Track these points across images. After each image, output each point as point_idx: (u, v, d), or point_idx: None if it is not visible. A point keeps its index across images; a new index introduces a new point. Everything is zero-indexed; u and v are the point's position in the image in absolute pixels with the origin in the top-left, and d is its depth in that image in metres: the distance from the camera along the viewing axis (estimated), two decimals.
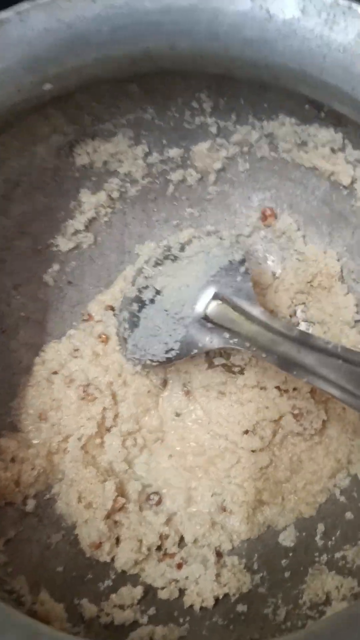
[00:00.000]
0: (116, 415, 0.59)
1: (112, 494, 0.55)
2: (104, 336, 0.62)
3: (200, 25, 0.50)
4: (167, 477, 0.57)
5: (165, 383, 0.60)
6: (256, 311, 0.52)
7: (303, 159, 0.62)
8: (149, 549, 0.54)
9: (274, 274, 0.66)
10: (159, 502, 0.56)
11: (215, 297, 0.54)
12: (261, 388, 0.59)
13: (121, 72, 0.54)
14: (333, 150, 0.59)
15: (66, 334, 0.64)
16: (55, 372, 0.61)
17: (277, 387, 0.58)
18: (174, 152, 0.64)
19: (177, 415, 0.59)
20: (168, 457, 0.58)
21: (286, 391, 0.58)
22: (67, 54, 0.50)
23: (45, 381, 0.61)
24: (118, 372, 0.60)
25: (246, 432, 0.57)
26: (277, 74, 0.52)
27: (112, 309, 0.64)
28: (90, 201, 0.64)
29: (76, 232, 0.65)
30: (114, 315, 0.63)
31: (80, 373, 0.60)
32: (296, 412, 0.57)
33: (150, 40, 0.51)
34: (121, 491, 0.57)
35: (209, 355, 0.61)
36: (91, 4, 0.49)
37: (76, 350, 0.62)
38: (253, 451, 0.57)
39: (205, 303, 0.55)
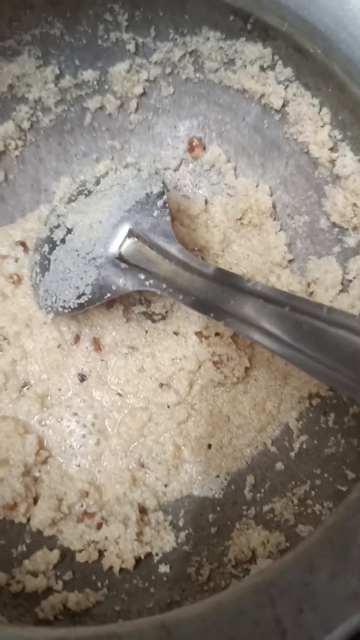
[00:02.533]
0: (26, 370, 0.54)
1: (34, 447, 0.51)
2: (15, 277, 0.56)
3: None
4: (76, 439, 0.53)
5: (77, 338, 0.54)
6: (174, 249, 0.47)
7: (231, 79, 0.56)
8: (68, 508, 0.50)
9: (205, 205, 0.60)
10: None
11: (130, 234, 0.49)
12: (181, 336, 0.54)
13: None
14: (262, 69, 0.54)
15: None
16: None
17: (198, 333, 0.54)
18: (88, 75, 0.57)
19: (82, 379, 0.54)
20: (75, 421, 0.54)
21: (207, 337, 0.54)
22: None
23: None
24: (26, 322, 0.55)
25: (160, 385, 0.53)
26: None
27: (24, 245, 0.57)
28: None
29: None
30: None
31: None
32: (216, 359, 0.53)
33: None
34: (41, 445, 0.52)
35: (127, 306, 0.56)
36: None
37: None
38: (168, 406, 0.53)
39: (119, 241, 0.49)
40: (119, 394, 0.54)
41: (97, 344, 0.55)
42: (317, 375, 0.36)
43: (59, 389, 0.54)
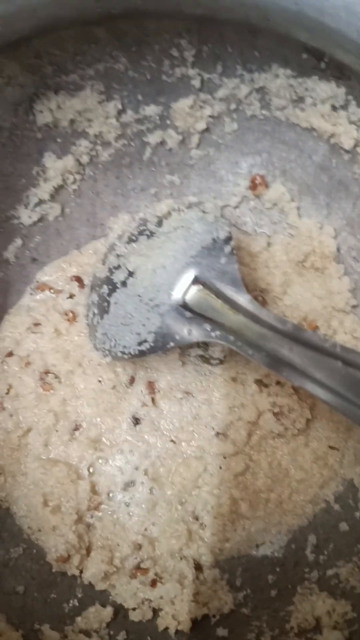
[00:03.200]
0: (77, 412, 0.53)
1: (87, 494, 0.50)
2: (71, 314, 0.55)
3: None
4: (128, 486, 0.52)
5: (132, 380, 0.53)
6: (243, 299, 0.45)
7: (299, 117, 0.54)
8: (121, 562, 0.48)
9: (267, 244, 0.58)
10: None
11: (196, 281, 0.47)
12: (239, 382, 0.52)
13: (85, 12, 0.46)
14: (334, 108, 0.52)
15: (25, 305, 0.57)
16: (10, 354, 0.55)
17: (258, 381, 0.52)
18: (151, 110, 0.56)
19: (136, 422, 0.53)
20: (127, 467, 0.52)
21: (267, 386, 0.52)
22: None
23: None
24: (79, 361, 0.54)
25: (216, 434, 0.51)
26: (269, 14, 0.44)
27: (80, 281, 0.56)
28: (55, 167, 0.57)
29: (40, 202, 0.58)
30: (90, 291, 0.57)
31: (37, 356, 0.54)
32: (277, 410, 0.51)
33: None
34: (93, 491, 0.51)
35: (184, 349, 0.54)
36: None
37: (36, 325, 0.56)
38: (224, 457, 0.51)
39: (183, 288, 0.47)
40: (172, 440, 0.53)
41: (151, 388, 0.54)
42: None
43: (112, 433, 0.53)
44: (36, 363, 0.54)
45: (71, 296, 0.57)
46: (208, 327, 0.46)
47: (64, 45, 0.50)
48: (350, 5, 0.41)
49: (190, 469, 0.51)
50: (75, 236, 0.60)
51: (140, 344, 0.48)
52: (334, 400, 0.38)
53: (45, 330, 0.55)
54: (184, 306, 0.47)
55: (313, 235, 0.56)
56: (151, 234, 0.52)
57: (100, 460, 0.52)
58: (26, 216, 0.57)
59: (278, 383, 0.52)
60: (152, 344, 0.47)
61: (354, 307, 0.55)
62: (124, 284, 0.50)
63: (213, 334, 0.45)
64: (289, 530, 0.50)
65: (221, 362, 0.54)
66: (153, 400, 0.53)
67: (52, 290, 0.58)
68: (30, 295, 0.57)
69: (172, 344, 0.47)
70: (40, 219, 0.58)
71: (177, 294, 0.47)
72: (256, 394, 0.52)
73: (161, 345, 0.47)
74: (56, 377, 0.54)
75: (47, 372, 0.54)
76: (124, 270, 0.51)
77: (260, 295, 0.55)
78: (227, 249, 0.48)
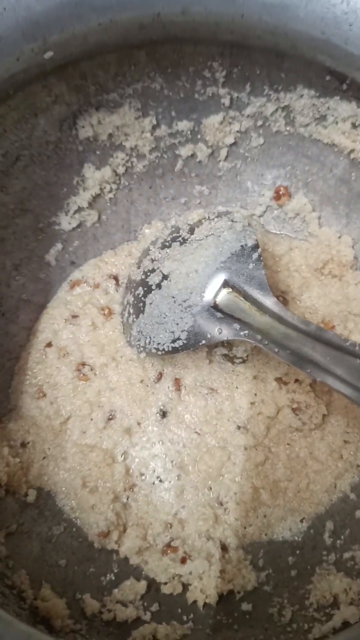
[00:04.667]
0: (111, 402, 0.57)
1: (122, 476, 0.54)
2: (107, 310, 0.60)
3: None
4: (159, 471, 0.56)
5: (160, 376, 0.57)
6: (269, 301, 0.50)
7: (321, 134, 0.58)
8: (153, 539, 0.52)
9: (289, 249, 0.63)
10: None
11: (226, 284, 0.51)
12: (260, 380, 0.56)
13: (129, 38, 0.50)
14: (354, 126, 0.56)
15: (63, 298, 0.62)
16: (49, 345, 0.59)
17: (278, 379, 0.56)
18: (183, 125, 0.60)
19: (163, 415, 0.57)
20: (157, 455, 0.56)
21: (286, 384, 0.56)
22: (70, 19, 0.46)
23: (39, 354, 0.59)
24: (113, 355, 0.58)
25: (237, 428, 0.55)
26: (297, 42, 0.48)
27: (116, 279, 0.61)
28: (94, 177, 0.61)
29: (79, 209, 0.62)
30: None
31: (75, 347, 0.58)
32: (295, 406, 0.55)
33: (161, 4, 0.47)
34: (127, 473, 0.55)
35: (210, 348, 0.58)
36: None
37: (74, 317, 0.60)
38: (246, 448, 0.55)
39: (214, 291, 0.52)
40: (197, 432, 0.57)
41: (177, 384, 0.58)
42: None
43: (141, 423, 0.57)
44: (74, 354, 0.58)
45: (106, 292, 0.61)
46: (237, 326, 0.50)
47: (107, 67, 0.54)
48: None
49: (214, 459, 0.55)
50: (111, 241, 0.64)
51: (174, 341, 0.52)
52: (353, 394, 0.42)
53: (83, 322, 0.59)
54: (215, 307, 0.51)
55: (332, 244, 0.60)
56: (184, 241, 0.56)
57: (132, 447, 0.56)
58: (66, 222, 0.62)
59: (297, 381, 0.56)
60: (184, 342, 0.52)
61: None
62: (158, 286, 0.54)
63: (242, 333, 0.50)
64: (307, 518, 0.53)
65: (244, 361, 0.58)
66: (179, 395, 0.57)
67: (89, 285, 0.62)
68: (68, 290, 0.62)
69: (203, 341, 0.51)
70: (79, 225, 0.62)
71: (208, 296, 0.52)
72: (276, 391, 0.56)
73: (193, 343, 0.51)
74: (92, 369, 0.58)
75: (83, 364, 0.58)
76: (159, 273, 0.55)
77: (281, 295, 0.59)
78: (255, 255, 0.52)
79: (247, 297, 0.51)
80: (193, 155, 0.63)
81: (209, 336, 0.51)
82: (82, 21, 0.46)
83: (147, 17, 0.47)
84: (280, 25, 0.47)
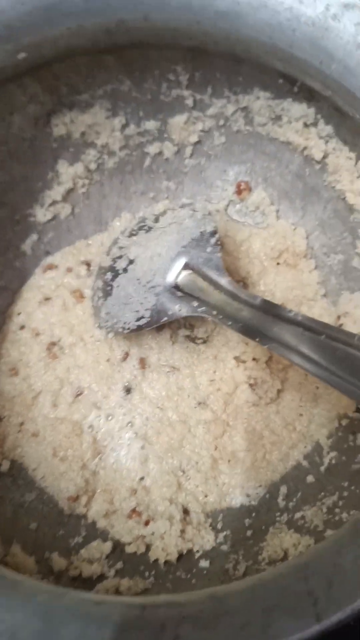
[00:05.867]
0: (79, 379, 0.61)
1: (90, 445, 0.58)
2: (78, 293, 0.64)
3: None
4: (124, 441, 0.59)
5: (126, 356, 0.61)
6: (224, 281, 0.54)
7: (277, 133, 0.63)
8: (119, 504, 0.56)
9: (249, 236, 0.67)
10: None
11: (186, 266, 0.56)
12: (219, 360, 0.60)
13: (97, 43, 0.55)
14: (306, 125, 0.60)
15: (36, 283, 0.65)
16: (22, 327, 0.63)
17: (236, 358, 0.60)
18: (150, 125, 0.65)
19: (128, 391, 0.60)
20: (121, 427, 0.60)
21: (244, 362, 0.60)
22: (41, 23, 0.51)
23: (13, 335, 0.63)
24: (81, 336, 0.62)
25: (198, 404, 0.59)
26: (249, 47, 0.53)
27: (88, 265, 0.65)
28: (67, 172, 0.65)
29: (54, 202, 0.66)
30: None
31: (46, 326, 0.62)
32: (252, 382, 0.59)
33: (124, 11, 0.52)
34: (95, 443, 0.59)
35: (174, 329, 0.62)
36: None
37: (47, 299, 0.64)
38: (205, 422, 0.59)
39: (176, 272, 0.56)
40: (159, 407, 0.60)
41: (142, 363, 0.62)
42: (347, 394, 0.43)
43: (107, 398, 0.60)
44: (45, 334, 0.62)
45: (78, 277, 0.65)
46: (195, 304, 0.54)
47: (78, 69, 0.58)
48: (314, 40, 0.50)
49: (175, 432, 0.59)
50: (83, 232, 0.68)
51: (138, 319, 0.56)
52: (299, 359, 0.47)
53: (55, 303, 0.63)
54: (176, 287, 0.56)
55: (287, 235, 0.64)
56: (149, 229, 0.61)
57: (99, 420, 0.59)
58: (41, 214, 0.65)
59: (254, 359, 0.60)
60: (148, 319, 0.56)
61: (323, 295, 0.63)
62: (125, 270, 0.59)
63: (199, 309, 0.54)
64: (264, 485, 0.57)
65: (205, 341, 0.62)
66: (143, 373, 0.61)
67: (61, 270, 0.66)
68: (41, 274, 0.65)
69: (165, 318, 0.55)
70: (54, 218, 0.66)
71: (170, 277, 0.56)
72: (234, 369, 0.60)
73: (156, 320, 0.56)
74: (61, 348, 0.62)
75: (53, 344, 0.62)
76: (126, 258, 0.59)
77: (242, 281, 0.64)
78: (213, 240, 0.57)
79: (205, 277, 0.55)
80: (160, 153, 0.67)
81: (170, 313, 0.55)
82: (52, 25, 0.51)
83: (112, 23, 0.52)
84: (233, 31, 0.52)
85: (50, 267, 0.65)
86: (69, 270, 0.65)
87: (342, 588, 0.32)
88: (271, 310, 0.50)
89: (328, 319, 0.62)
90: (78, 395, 0.60)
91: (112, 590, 0.49)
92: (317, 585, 0.33)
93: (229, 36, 0.53)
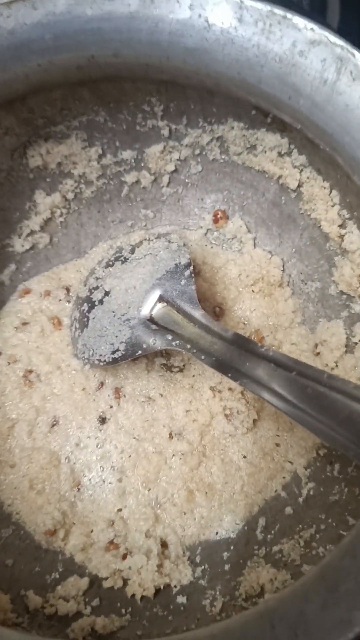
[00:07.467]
0: (55, 408, 0.61)
1: (68, 476, 0.58)
2: (56, 320, 0.63)
3: (142, 33, 0.51)
4: (101, 473, 0.59)
5: (101, 385, 0.61)
6: (197, 314, 0.54)
7: (253, 162, 0.63)
8: (97, 536, 0.56)
9: (226, 262, 0.67)
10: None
11: (161, 299, 0.56)
12: (195, 389, 0.60)
13: (70, 77, 0.55)
14: (280, 154, 0.61)
15: (14, 309, 0.65)
16: None
17: (212, 388, 0.60)
18: (127, 154, 0.65)
19: (102, 421, 0.60)
20: (98, 459, 0.60)
21: (220, 392, 0.60)
22: (11, 60, 0.51)
23: None
24: (58, 364, 0.62)
25: (173, 435, 0.59)
26: (219, 81, 0.53)
27: (68, 290, 0.65)
28: (45, 202, 0.65)
29: (32, 232, 0.66)
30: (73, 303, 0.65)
31: (24, 353, 0.62)
32: (227, 412, 0.59)
33: (94, 47, 0.52)
34: (73, 474, 0.59)
35: (150, 358, 0.62)
36: (32, 11, 0.50)
37: (24, 324, 0.64)
38: (182, 454, 0.58)
39: (150, 305, 0.56)
40: (135, 438, 0.60)
41: (117, 393, 0.61)
42: (317, 433, 0.42)
43: (83, 429, 0.60)
44: (22, 361, 0.62)
45: (59, 300, 0.65)
46: (170, 337, 0.54)
47: (53, 102, 0.59)
48: (282, 76, 0.50)
49: (151, 464, 0.58)
50: (62, 261, 0.68)
51: (113, 352, 0.56)
52: (269, 397, 0.47)
53: (33, 329, 0.63)
54: (151, 320, 0.56)
55: (262, 264, 0.65)
56: (125, 260, 0.61)
57: (75, 451, 0.59)
58: (19, 245, 0.66)
59: (229, 389, 0.60)
60: (123, 352, 0.56)
61: (299, 323, 0.64)
62: (101, 302, 0.59)
63: (174, 343, 0.54)
64: (242, 517, 0.57)
65: (181, 369, 0.62)
66: (118, 403, 0.61)
67: (38, 294, 0.65)
68: (18, 299, 0.65)
69: (140, 352, 0.55)
70: (32, 247, 0.67)
71: (145, 310, 0.56)
72: (210, 399, 0.60)
73: (131, 353, 0.56)
74: (37, 376, 0.62)
75: (30, 371, 0.61)
76: (102, 290, 0.60)
77: (218, 306, 0.64)
78: (187, 272, 0.57)
79: (179, 310, 0.55)
80: (137, 182, 0.67)
81: (144, 346, 0.55)
82: (22, 62, 0.51)
83: (83, 59, 0.52)
84: (202, 66, 0.52)
85: (27, 291, 0.65)
86: (47, 294, 0.65)
87: (307, 638, 0.32)
88: (244, 345, 0.50)
89: (306, 346, 0.62)
90: (54, 425, 0.60)
91: (88, 630, 0.49)
92: (282, 633, 0.33)
93: (198, 71, 0.53)
